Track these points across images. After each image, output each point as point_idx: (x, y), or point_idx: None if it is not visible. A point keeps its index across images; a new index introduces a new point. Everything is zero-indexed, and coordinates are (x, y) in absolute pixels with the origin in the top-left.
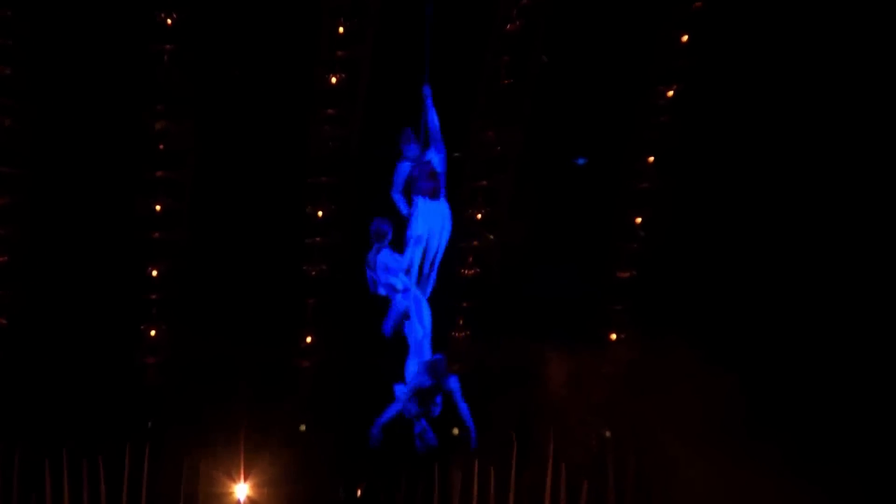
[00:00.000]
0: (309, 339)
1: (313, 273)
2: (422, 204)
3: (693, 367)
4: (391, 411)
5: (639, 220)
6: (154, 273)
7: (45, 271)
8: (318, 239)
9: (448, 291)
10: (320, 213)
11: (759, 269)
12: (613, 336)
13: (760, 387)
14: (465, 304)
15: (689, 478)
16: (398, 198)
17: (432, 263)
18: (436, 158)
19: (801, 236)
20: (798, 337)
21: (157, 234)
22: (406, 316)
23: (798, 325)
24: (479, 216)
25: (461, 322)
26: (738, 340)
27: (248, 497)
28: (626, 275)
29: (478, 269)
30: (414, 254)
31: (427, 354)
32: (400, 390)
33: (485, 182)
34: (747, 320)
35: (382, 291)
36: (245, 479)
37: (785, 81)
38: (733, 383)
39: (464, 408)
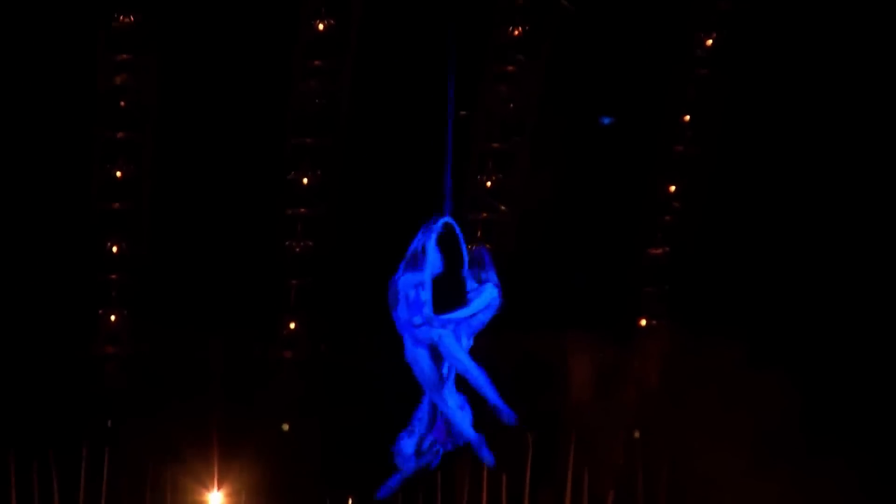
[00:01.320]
0: (292, 326)
1: (297, 250)
2: None
3: (735, 361)
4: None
5: (672, 188)
6: (113, 249)
7: None
8: (301, 210)
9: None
10: (305, 181)
11: (811, 249)
12: (644, 322)
13: (813, 386)
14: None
15: (730, 490)
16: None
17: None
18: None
19: (866, 207)
20: (860, 330)
21: (116, 205)
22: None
23: (861, 314)
24: (490, 184)
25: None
26: (788, 333)
27: None
28: (659, 252)
29: (488, 245)
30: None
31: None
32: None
33: (496, 145)
34: (797, 309)
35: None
36: (219, 488)
37: (842, 27)
38: (782, 382)
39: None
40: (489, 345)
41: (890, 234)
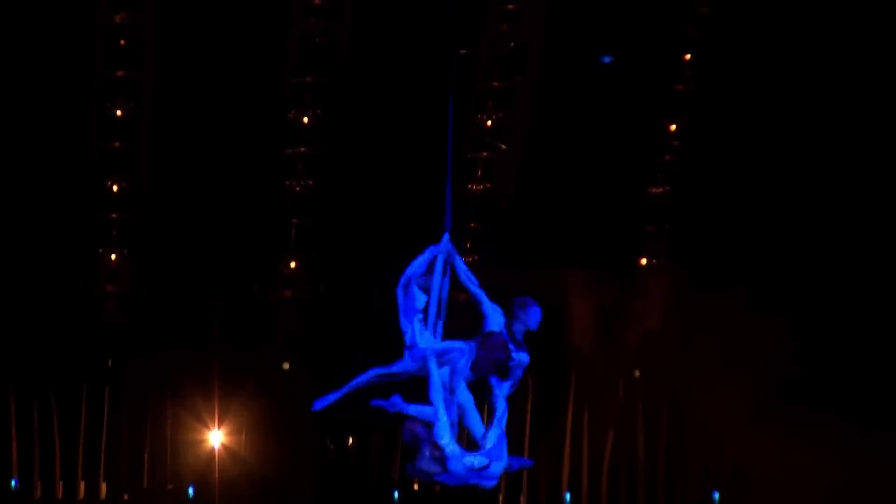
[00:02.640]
0: (292, 266)
1: (297, 189)
2: None
3: (736, 303)
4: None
5: (673, 127)
6: (114, 189)
7: None
8: (301, 149)
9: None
10: (305, 120)
11: (812, 188)
12: (644, 262)
13: (814, 331)
14: (472, 225)
15: (729, 429)
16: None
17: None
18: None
19: (872, 147)
20: (863, 274)
21: (116, 144)
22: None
23: (864, 258)
24: (490, 123)
25: (468, 245)
26: (788, 275)
27: (224, 445)
28: (659, 191)
29: (488, 185)
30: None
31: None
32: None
33: (497, 83)
34: (798, 251)
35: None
36: (219, 426)
37: None
38: (782, 326)
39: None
40: (492, 284)
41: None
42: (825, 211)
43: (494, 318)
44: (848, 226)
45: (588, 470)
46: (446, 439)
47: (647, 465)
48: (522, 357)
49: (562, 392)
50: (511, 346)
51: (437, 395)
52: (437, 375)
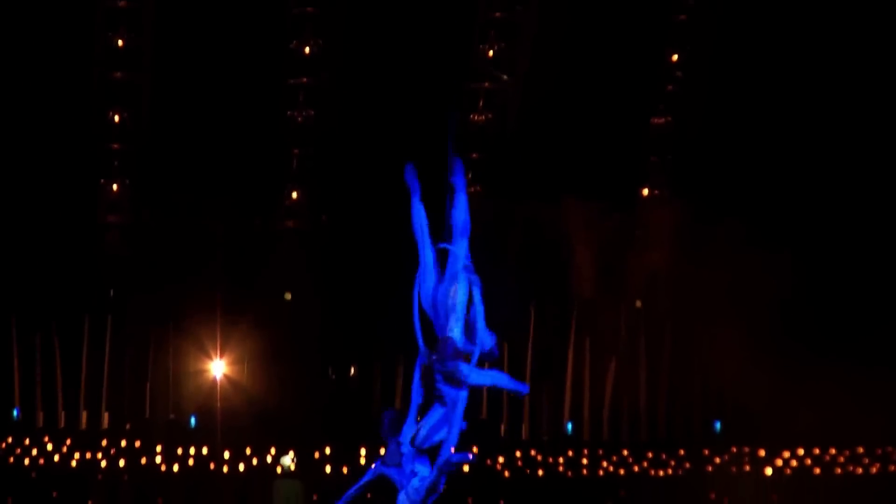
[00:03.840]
0: (294, 196)
1: (298, 120)
2: None
3: (738, 237)
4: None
5: (675, 57)
6: (115, 119)
7: None
8: (303, 80)
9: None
10: (307, 50)
11: (815, 120)
12: (646, 192)
13: (814, 266)
14: (474, 156)
15: (732, 361)
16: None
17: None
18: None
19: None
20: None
21: (117, 75)
22: None
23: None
24: (492, 53)
25: (470, 176)
26: (791, 210)
27: (226, 375)
28: (661, 121)
29: (490, 115)
30: None
31: None
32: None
33: (499, 14)
34: (800, 183)
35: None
36: (221, 355)
37: None
38: (783, 260)
39: None
40: (494, 215)
41: None
42: (828, 144)
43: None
44: (850, 159)
45: (590, 400)
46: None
47: (649, 394)
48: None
49: (563, 322)
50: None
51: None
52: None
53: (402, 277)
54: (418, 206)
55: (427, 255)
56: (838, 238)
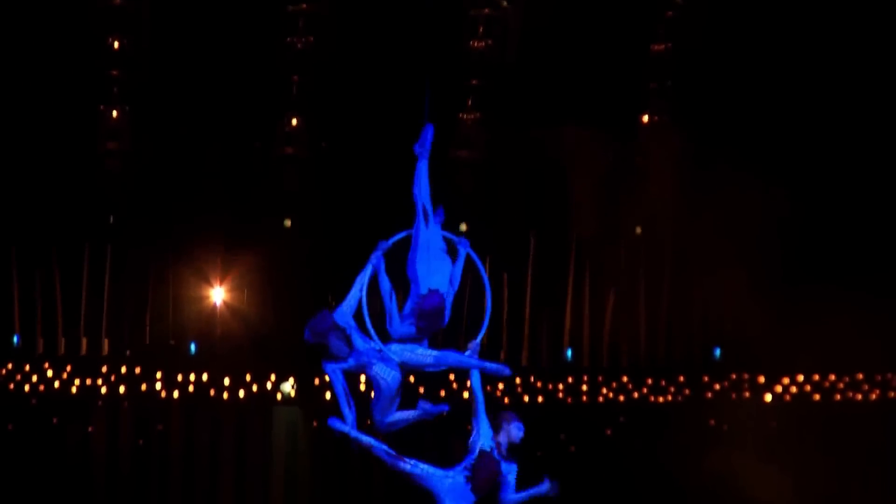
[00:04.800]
0: (294, 123)
1: (298, 46)
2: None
3: (739, 164)
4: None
5: None
6: (115, 45)
7: None
8: (303, 6)
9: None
10: None
11: (817, 48)
12: (646, 119)
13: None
14: (474, 83)
15: (732, 288)
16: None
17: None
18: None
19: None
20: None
21: (117, 0)
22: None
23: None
24: None
25: (470, 103)
26: (793, 141)
27: (225, 301)
28: (661, 48)
29: (490, 41)
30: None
31: None
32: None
33: None
34: (800, 112)
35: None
36: (221, 283)
37: None
38: (785, 192)
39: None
40: (494, 145)
41: None
42: (832, 70)
43: (485, 433)
44: (854, 88)
45: (589, 328)
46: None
47: (649, 321)
48: (511, 468)
49: (563, 250)
50: (499, 459)
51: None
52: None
53: (401, 204)
54: (425, 170)
55: (422, 223)
56: (841, 164)
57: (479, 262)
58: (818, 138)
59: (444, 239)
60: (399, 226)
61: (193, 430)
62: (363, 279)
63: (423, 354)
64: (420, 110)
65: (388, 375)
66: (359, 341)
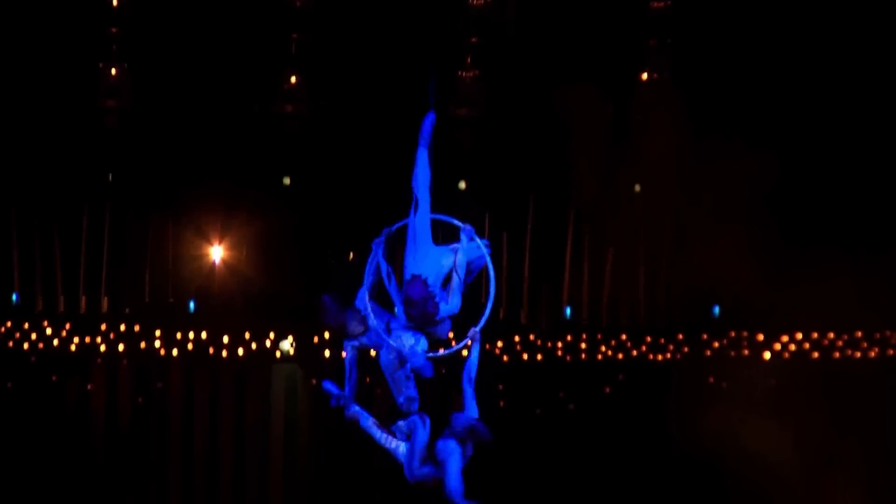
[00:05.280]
0: (293, 80)
1: (297, 4)
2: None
3: (739, 123)
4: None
5: None
6: (114, 2)
7: None
8: None
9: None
10: None
11: (824, 7)
12: (645, 76)
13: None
14: (473, 40)
15: (731, 247)
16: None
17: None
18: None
19: None
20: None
21: None
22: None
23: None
24: None
25: (469, 61)
26: (791, 100)
27: (224, 260)
28: (661, 5)
29: None
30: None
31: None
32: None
33: None
34: (804, 77)
35: None
36: (220, 241)
37: None
38: (782, 150)
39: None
40: (493, 102)
41: None
42: (834, 31)
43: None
44: (855, 48)
45: (588, 286)
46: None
47: (648, 279)
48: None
49: (562, 209)
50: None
51: None
52: None
53: (399, 164)
54: (425, 157)
55: (426, 211)
56: (844, 121)
57: (485, 250)
58: (819, 98)
59: (449, 225)
60: (397, 184)
61: (193, 388)
62: (371, 263)
63: (406, 343)
64: (420, 68)
65: (384, 357)
66: (374, 322)
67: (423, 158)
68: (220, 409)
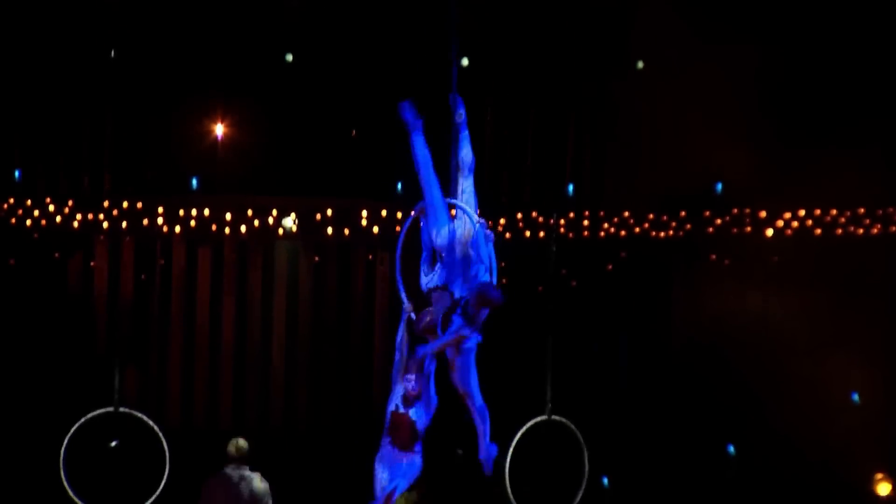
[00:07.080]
0: None
1: None
2: None
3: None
4: None
5: None
6: None
7: None
8: None
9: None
10: None
11: None
12: None
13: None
14: None
15: (733, 123)
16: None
17: None
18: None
19: None
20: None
21: None
22: None
23: None
24: None
25: None
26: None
27: (227, 136)
28: None
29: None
30: None
31: None
32: None
33: None
34: None
35: None
36: (223, 118)
37: None
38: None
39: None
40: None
41: None
42: None
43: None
44: None
45: (591, 163)
46: None
47: (650, 156)
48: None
49: (566, 87)
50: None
51: None
52: None
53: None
54: (420, 141)
55: (435, 194)
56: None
57: (488, 241)
58: None
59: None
60: (406, 58)
61: (195, 265)
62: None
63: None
64: None
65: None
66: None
67: (419, 143)
68: (222, 286)
